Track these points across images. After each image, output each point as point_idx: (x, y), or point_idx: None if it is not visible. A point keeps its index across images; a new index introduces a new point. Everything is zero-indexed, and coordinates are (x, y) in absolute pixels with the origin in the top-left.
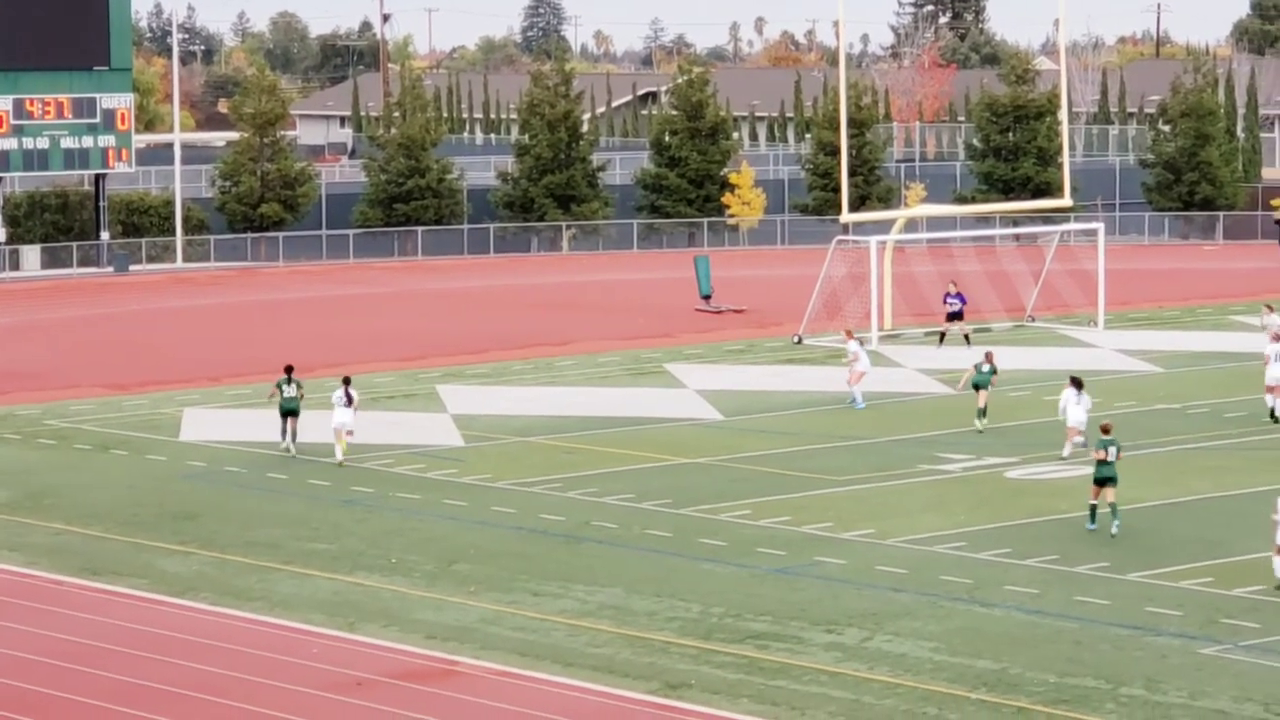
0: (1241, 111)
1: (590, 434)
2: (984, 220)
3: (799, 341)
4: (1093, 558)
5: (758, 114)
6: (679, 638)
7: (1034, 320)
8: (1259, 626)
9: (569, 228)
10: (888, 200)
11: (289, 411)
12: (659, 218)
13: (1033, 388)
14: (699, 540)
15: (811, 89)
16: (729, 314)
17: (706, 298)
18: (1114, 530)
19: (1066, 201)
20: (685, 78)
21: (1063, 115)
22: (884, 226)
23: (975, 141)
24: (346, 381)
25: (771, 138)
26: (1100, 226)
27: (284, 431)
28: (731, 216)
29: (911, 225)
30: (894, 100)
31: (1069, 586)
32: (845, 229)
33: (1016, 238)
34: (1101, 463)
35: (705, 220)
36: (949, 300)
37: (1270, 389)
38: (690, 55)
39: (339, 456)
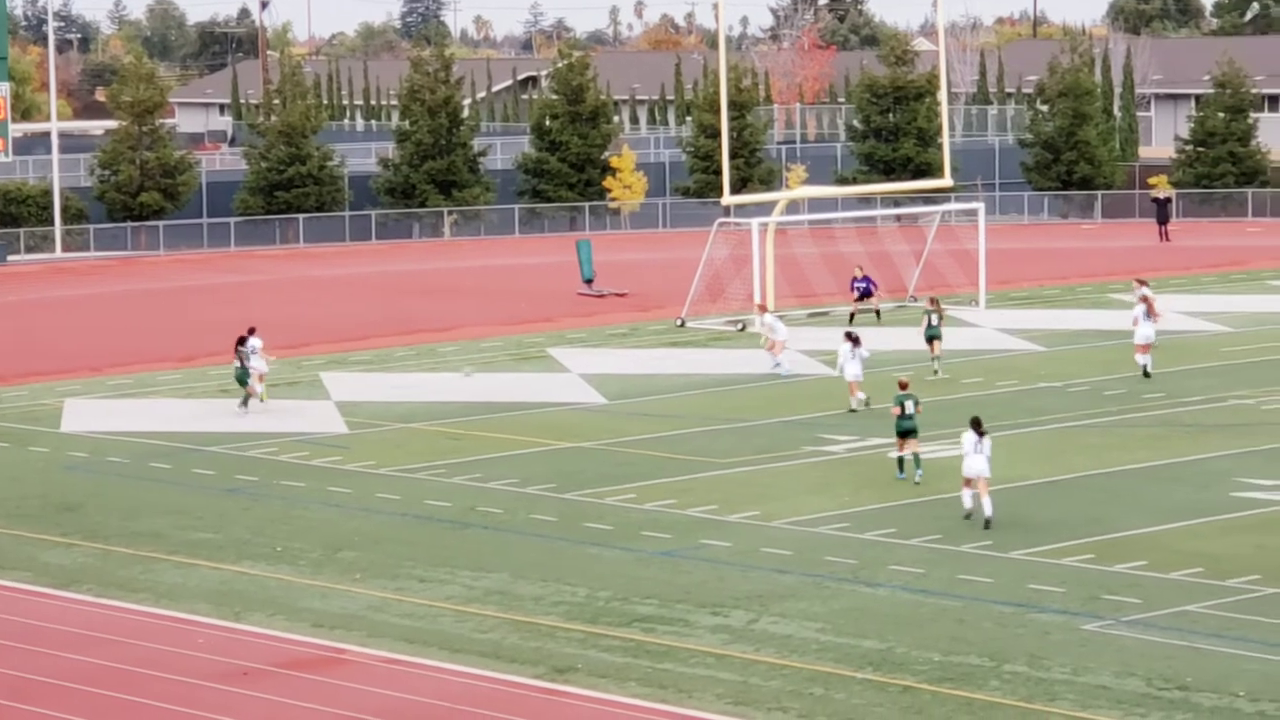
0: (1118, 91)
1: (474, 419)
2: (865, 201)
3: (682, 324)
4: (976, 537)
5: (638, 97)
6: (566, 622)
7: (916, 300)
8: (1140, 602)
9: (450, 213)
10: (769, 182)
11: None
12: (540, 202)
13: (916, 368)
14: (584, 524)
15: (692, 72)
16: (611, 298)
17: (589, 282)
18: (917, 479)
19: (947, 182)
20: (565, 62)
21: (942, 96)
22: (765, 208)
23: (856, 123)
24: (252, 331)
25: (652, 121)
26: (980, 206)
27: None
28: (613, 200)
29: (793, 207)
30: (774, 82)
31: (953, 565)
32: (727, 211)
33: (898, 218)
34: (901, 417)
35: (587, 204)
36: (856, 285)
37: (1140, 348)
38: (570, 39)
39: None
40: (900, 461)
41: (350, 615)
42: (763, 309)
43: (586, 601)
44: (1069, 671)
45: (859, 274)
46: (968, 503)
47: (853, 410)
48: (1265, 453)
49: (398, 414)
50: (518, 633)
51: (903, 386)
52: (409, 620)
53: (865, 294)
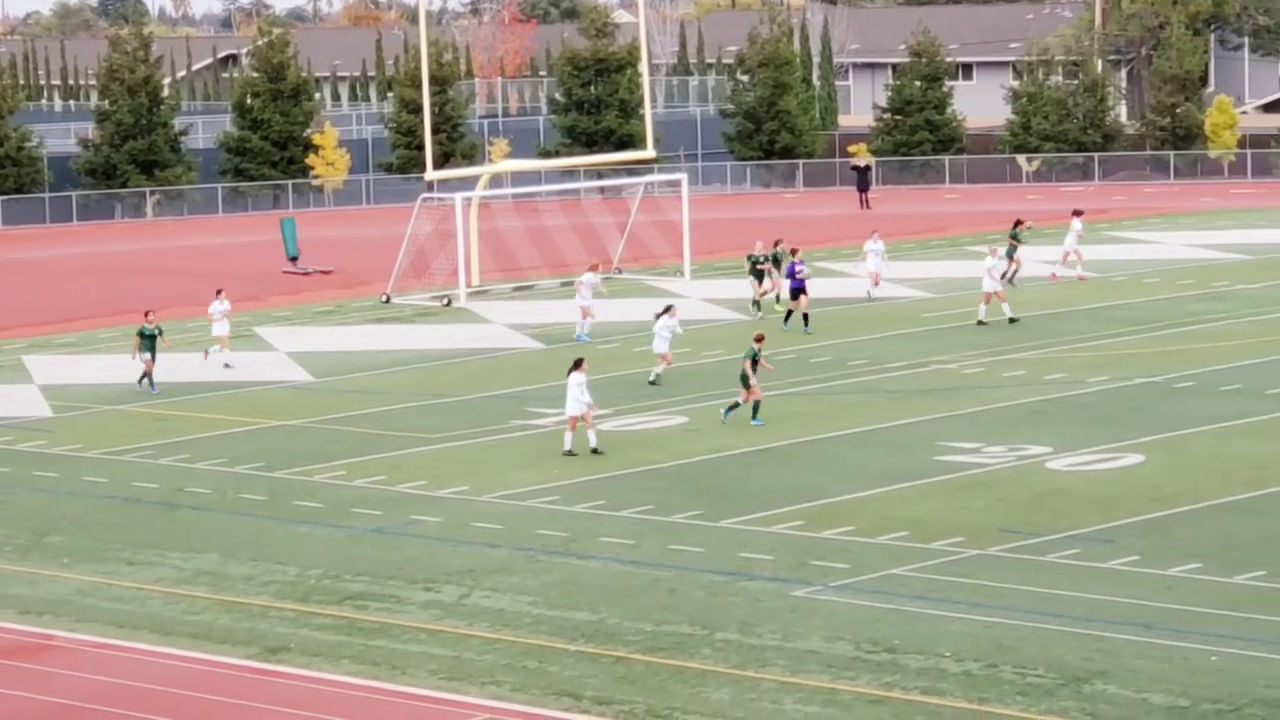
0: (817, 60)
1: (181, 400)
2: (569, 174)
3: (387, 300)
4: (686, 506)
5: (339, 74)
6: (277, 601)
7: (621, 272)
8: (848, 567)
9: (153, 193)
10: (472, 157)
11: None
12: (243, 181)
13: (621, 339)
14: (294, 503)
15: (392, 48)
16: (317, 275)
17: (294, 259)
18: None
19: (649, 153)
20: (265, 40)
21: (643, 68)
22: (469, 183)
23: (558, 96)
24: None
25: (354, 97)
26: (683, 177)
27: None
28: (316, 177)
29: (497, 181)
30: (476, 57)
31: (663, 536)
32: (430, 187)
33: (601, 190)
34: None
35: (290, 182)
36: (795, 270)
37: (987, 297)
38: (270, 17)
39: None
40: (743, 406)
41: (58, 600)
42: (594, 268)
43: (298, 580)
44: (779, 638)
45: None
46: (569, 443)
47: (652, 382)
48: (966, 416)
49: (104, 396)
50: (229, 614)
51: (758, 340)
52: (118, 604)
53: (800, 289)
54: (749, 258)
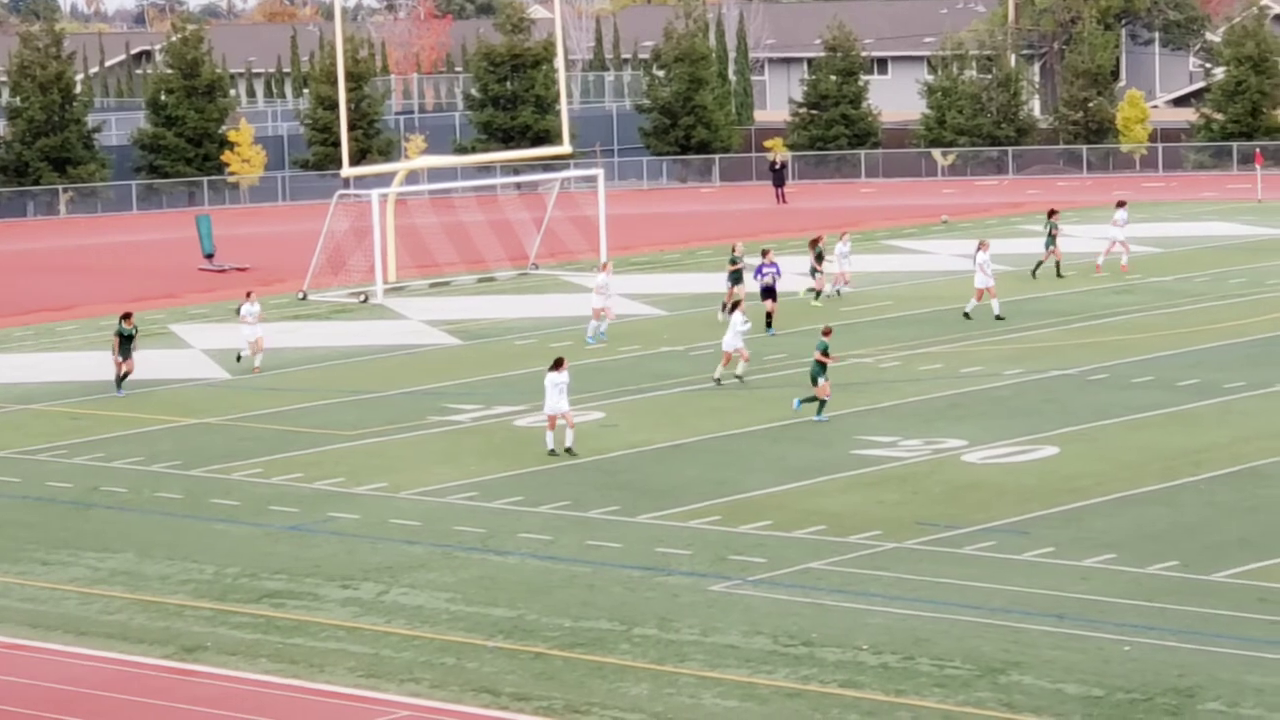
0: (733, 55)
1: (95, 399)
2: (485, 170)
3: (304, 298)
4: (604, 502)
5: (254, 70)
6: (194, 600)
7: (537, 268)
8: (765, 561)
9: (66, 190)
10: (388, 153)
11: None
12: (158, 178)
13: (538, 335)
14: (211, 501)
15: (308, 44)
16: (233, 272)
17: (209, 256)
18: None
19: (566, 149)
20: (179, 36)
21: (559, 63)
22: (385, 180)
23: (474, 92)
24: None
25: (269, 94)
26: (600, 172)
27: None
28: (232, 174)
29: (413, 177)
30: (391, 53)
31: (581, 531)
32: (346, 183)
33: (518, 186)
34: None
35: (205, 179)
36: (763, 271)
37: (980, 292)
38: (184, 13)
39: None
40: (814, 402)
41: None
42: (605, 268)
43: (215, 579)
44: (698, 632)
45: (763, 259)
46: (550, 442)
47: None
48: (883, 410)
49: (16, 395)
50: (145, 613)
51: (826, 334)
52: (32, 604)
53: (770, 290)
54: (731, 260)
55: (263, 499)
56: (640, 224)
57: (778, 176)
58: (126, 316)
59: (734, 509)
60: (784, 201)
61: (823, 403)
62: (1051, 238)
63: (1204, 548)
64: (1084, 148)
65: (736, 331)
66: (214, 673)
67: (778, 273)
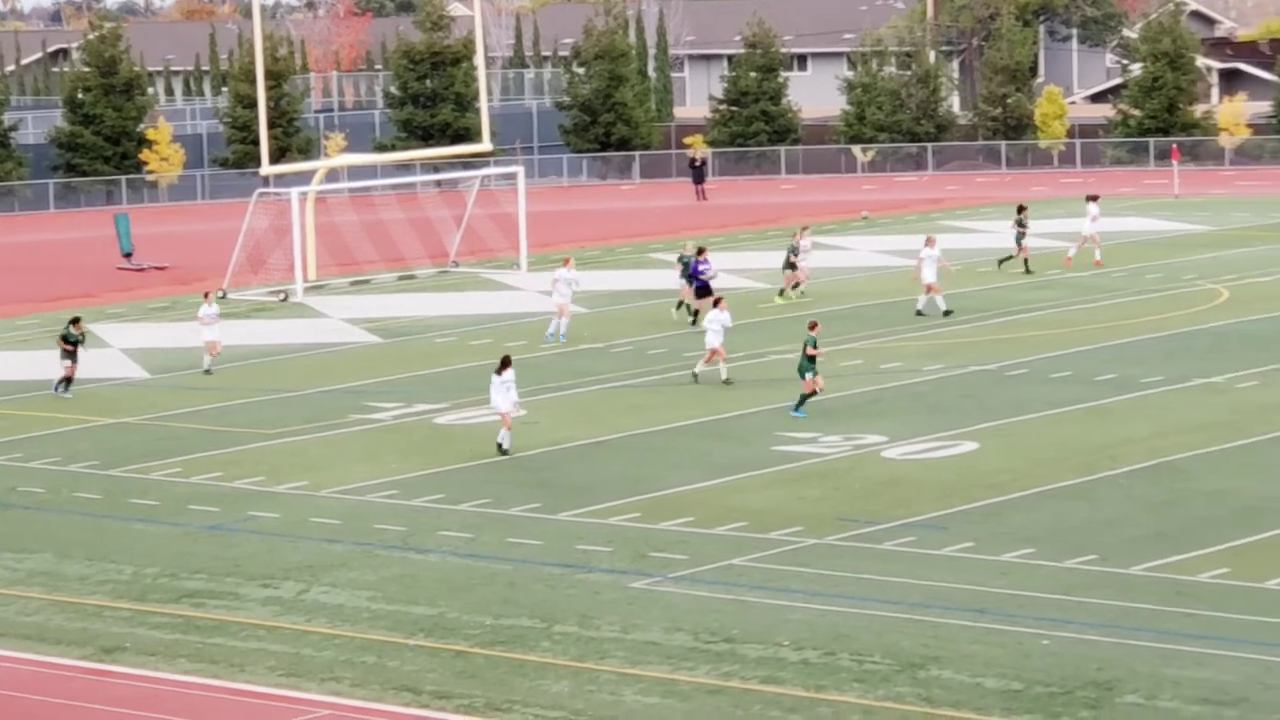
0: (653, 52)
1: (11, 399)
2: (405, 168)
3: (224, 296)
4: (524, 499)
5: (173, 69)
6: (113, 601)
7: (458, 265)
8: (686, 558)
9: None
10: (308, 151)
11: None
12: (76, 176)
13: (459, 333)
14: (130, 501)
15: (227, 42)
16: (152, 271)
17: (128, 255)
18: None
19: (486, 146)
20: (97, 34)
21: (479, 61)
22: (305, 178)
23: (393, 90)
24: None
25: (188, 92)
26: (520, 170)
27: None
28: (150, 173)
29: (333, 175)
30: (311, 50)
31: (502, 529)
32: (266, 181)
33: (438, 184)
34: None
35: (124, 178)
36: (699, 269)
37: (929, 288)
38: (101, 11)
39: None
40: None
41: None
42: (567, 262)
43: (134, 579)
44: (619, 629)
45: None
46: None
47: (725, 381)
48: (803, 406)
49: None
50: (63, 614)
51: (812, 328)
52: None
53: (705, 288)
54: (680, 259)
55: (182, 498)
56: (560, 221)
57: (698, 173)
58: (75, 321)
59: (655, 506)
60: (704, 198)
61: (804, 397)
62: (1021, 233)
63: (1122, 542)
64: (1003, 143)
65: (714, 329)
66: (133, 673)
67: (711, 270)
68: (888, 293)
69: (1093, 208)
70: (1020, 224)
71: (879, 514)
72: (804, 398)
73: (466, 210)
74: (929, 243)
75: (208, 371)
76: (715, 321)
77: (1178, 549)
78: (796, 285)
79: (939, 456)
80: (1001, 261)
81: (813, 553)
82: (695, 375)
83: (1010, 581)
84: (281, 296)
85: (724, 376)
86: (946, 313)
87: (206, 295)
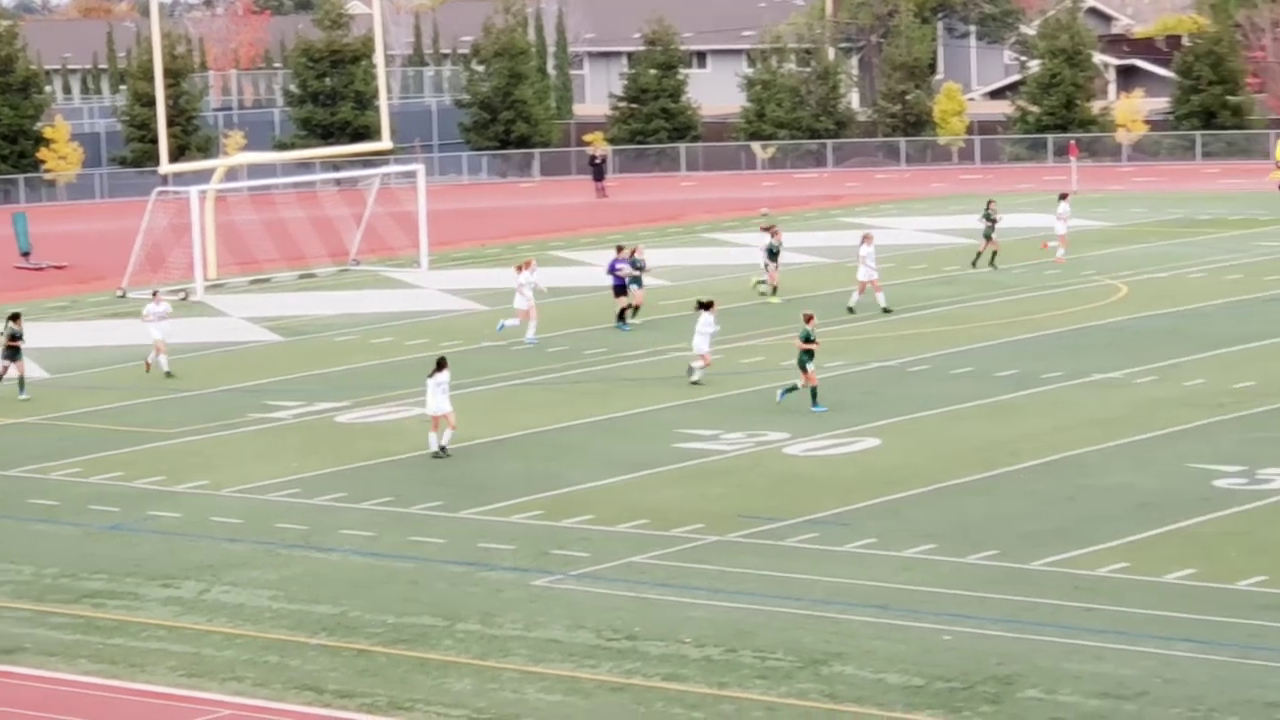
0: (552, 50)
1: None
2: (305, 166)
3: (123, 295)
4: (427, 497)
5: (70, 67)
6: (12, 601)
7: (358, 264)
8: (589, 555)
9: None
10: (207, 150)
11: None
12: None
13: (359, 331)
14: (29, 501)
15: (124, 40)
16: (50, 270)
17: (26, 254)
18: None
19: (386, 144)
20: None
21: (379, 59)
22: (204, 176)
23: (293, 88)
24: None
25: (86, 90)
26: (420, 168)
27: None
28: (48, 172)
29: (233, 174)
30: (210, 49)
31: (404, 527)
32: (165, 180)
33: (338, 182)
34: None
35: (21, 176)
36: (616, 268)
37: (863, 285)
38: None
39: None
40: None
41: None
42: (524, 267)
43: (33, 579)
44: (521, 627)
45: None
46: (433, 443)
47: (694, 382)
48: (704, 403)
49: None
50: None
51: (807, 320)
52: None
53: (620, 287)
54: (633, 263)
55: (82, 498)
56: (461, 219)
57: (597, 171)
58: (15, 317)
59: (556, 503)
60: (604, 195)
61: (814, 390)
62: (990, 228)
63: (1022, 537)
64: (902, 140)
65: (704, 334)
66: (32, 674)
67: (628, 269)
68: (787, 290)
69: (1063, 206)
70: (989, 218)
71: (781, 511)
72: (814, 391)
73: (367, 208)
74: (866, 240)
75: (169, 374)
76: (706, 325)
77: (1077, 544)
78: (765, 282)
79: (841, 453)
80: (975, 261)
81: (715, 550)
82: (692, 370)
83: (912, 577)
84: (181, 295)
85: (694, 378)
86: (886, 310)
87: (155, 295)
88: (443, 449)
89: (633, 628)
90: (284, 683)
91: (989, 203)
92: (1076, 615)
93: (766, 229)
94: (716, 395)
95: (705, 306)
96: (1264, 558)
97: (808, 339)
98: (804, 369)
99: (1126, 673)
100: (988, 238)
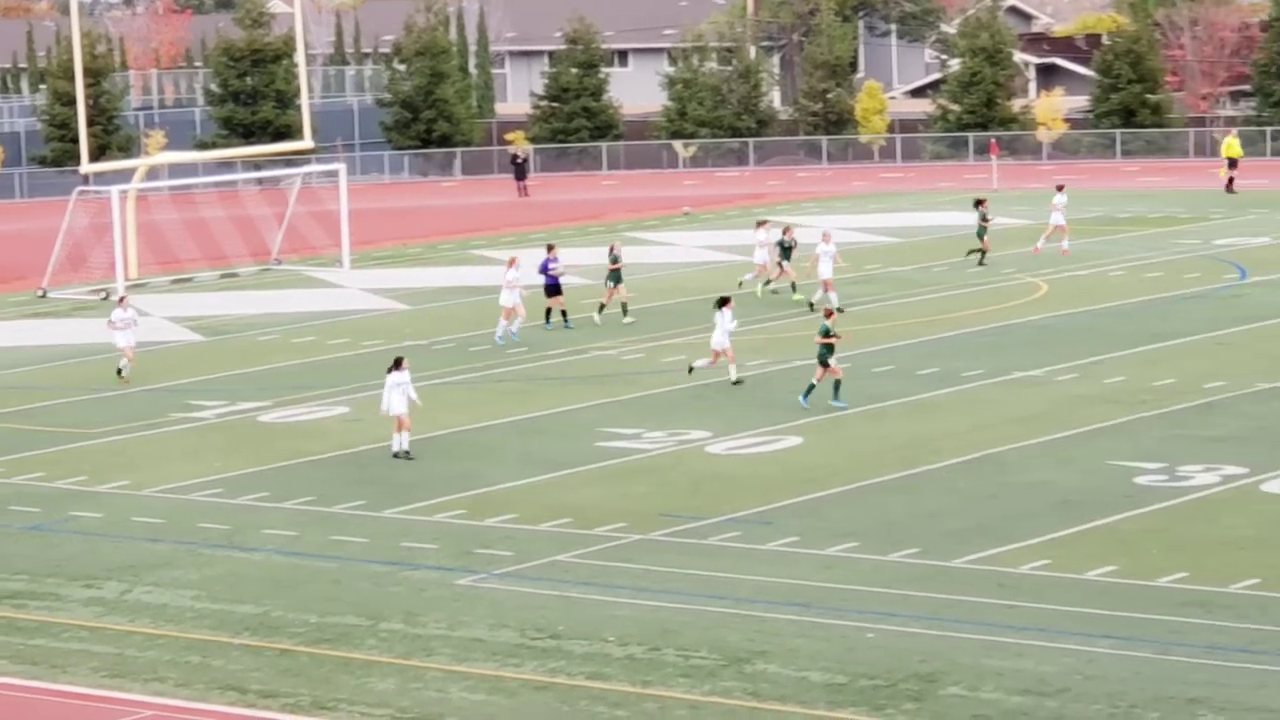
0: (474, 49)
1: None
2: (226, 165)
3: (43, 295)
4: (349, 497)
5: None
6: None
7: (280, 263)
8: (512, 554)
9: None
10: (128, 149)
11: None
12: None
13: (281, 331)
14: None
15: (44, 39)
16: None
17: None
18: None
19: (307, 143)
20: None
21: (299, 58)
22: (125, 176)
23: (214, 87)
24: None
25: (5, 90)
26: (341, 167)
27: None
28: None
29: (154, 173)
30: (130, 48)
31: (327, 527)
32: (86, 179)
33: (259, 182)
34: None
35: None
36: (549, 267)
37: (826, 284)
38: None
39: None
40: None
41: None
42: (511, 262)
43: None
44: (444, 626)
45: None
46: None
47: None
48: (626, 402)
49: None
50: None
51: (828, 315)
52: None
53: (554, 286)
54: (611, 259)
55: (2, 499)
56: (382, 218)
57: (519, 170)
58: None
59: (479, 502)
60: (525, 194)
61: (837, 384)
62: (983, 227)
63: (944, 534)
64: (824, 138)
65: (725, 330)
66: None
67: (560, 267)
68: (710, 288)
69: (1060, 197)
70: (983, 217)
71: (703, 510)
72: (837, 384)
73: (288, 208)
74: (825, 239)
75: (120, 372)
76: (728, 321)
77: (999, 541)
78: (763, 278)
79: (762, 452)
80: (972, 255)
81: (638, 549)
82: (692, 368)
83: (834, 575)
84: (103, 295)
85: (732, 377)
86: (839, 309)
87: (122, 300)
88: (406, 453)
89: (556, 627)
90: (207, 683)
91: (981, 202)
92: (998, 612)
93: (782, 230)
94: (639, 394)
95: (724, 303)
96: (1183, 554)
97: (827, 334)
98: (824, 364)
99: (1048, 669)
100: (980, 236)
